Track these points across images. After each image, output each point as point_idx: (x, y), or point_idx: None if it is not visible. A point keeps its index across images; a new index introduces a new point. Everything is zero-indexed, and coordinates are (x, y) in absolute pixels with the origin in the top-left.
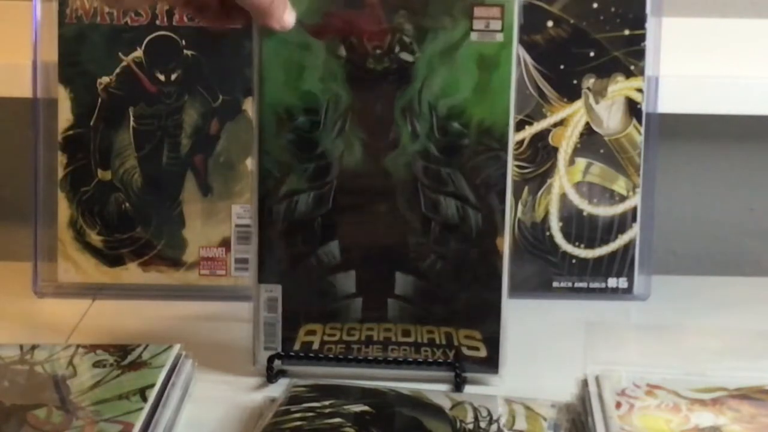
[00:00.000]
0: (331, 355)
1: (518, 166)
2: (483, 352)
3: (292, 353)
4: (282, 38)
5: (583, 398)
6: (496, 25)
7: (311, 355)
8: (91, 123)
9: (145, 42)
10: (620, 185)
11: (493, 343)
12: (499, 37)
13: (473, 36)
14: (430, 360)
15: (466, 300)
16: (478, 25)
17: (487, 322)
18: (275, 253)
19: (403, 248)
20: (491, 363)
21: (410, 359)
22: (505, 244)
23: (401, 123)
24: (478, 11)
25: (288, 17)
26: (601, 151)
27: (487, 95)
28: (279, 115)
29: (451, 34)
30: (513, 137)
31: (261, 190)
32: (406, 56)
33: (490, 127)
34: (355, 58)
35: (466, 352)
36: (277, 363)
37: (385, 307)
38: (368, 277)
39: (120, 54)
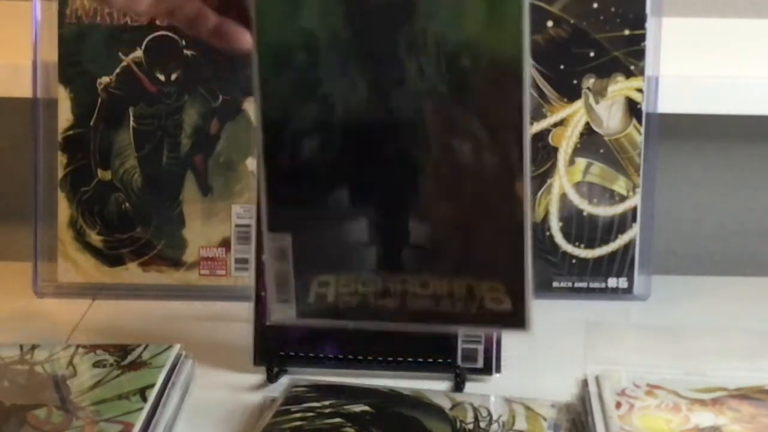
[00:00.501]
0: (331, 355)
1: None
2: (508, 305)
3: (292, 353)
4: None
5: (583, 398)
6: None
7: (311, 355)
8: (91, 123)
9: (145, 42)
10: (620, 185)
11: (518, 295)
12: None
13: None
14: (430, 360)
15: (485, 249)
16: None
17: (510, 272)
18: (283, 201)
19: (415, 194)
20: (517, 318)
21: (410, 359)
22: (526, 189)
23: (407, 60)
24: None
25: None
26: (601, 151)
27: (499, 27)
28: (277, 54)
29: None
30: (529, 73)
31: (264, 135)
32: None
33: (503, 63)
34: None
35: (489, 305)
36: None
37: (400, 257)
38: (381, 224)
39: (120, 54)
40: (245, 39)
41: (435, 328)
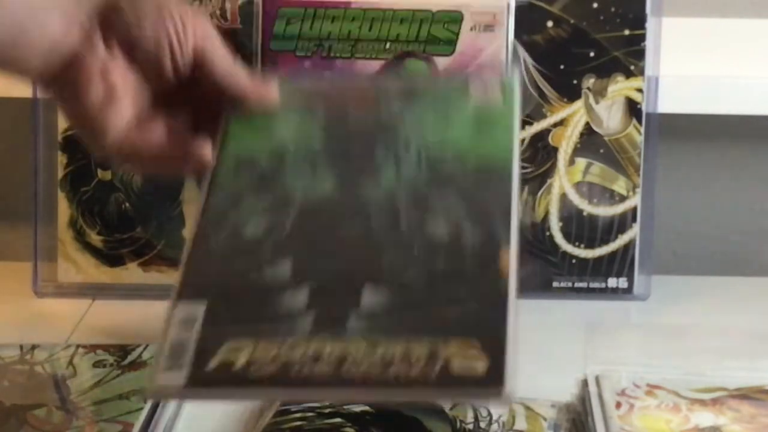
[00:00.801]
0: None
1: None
2: (482, 364)
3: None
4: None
5: (583, 398)
6: (495, 88)
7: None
8: None
9: None
10: (620, 185)
11: (497, 351)
12: (499, 101)
13: (471, 98)
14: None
15: (458, 306)
16: (475, 90)
17: (488, 326)
18: (204, 271)
19: (376, 263)
20: (493, 380)
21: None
22: (512, 261)
23: (382, 160)
24: (474, 85)
25: (268, 89)
26: (601, 151)
27: (487, 138)
28: (240, 161)
29: (447, 96)
30: (518, 170)
31: (202, 218)
32: (392, 108)
33: (490, 166)
34: (335, 120)
35: (457, 366)
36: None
37: (344, 322)
38: (325, 291)
39: None
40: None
41: (379, 396)
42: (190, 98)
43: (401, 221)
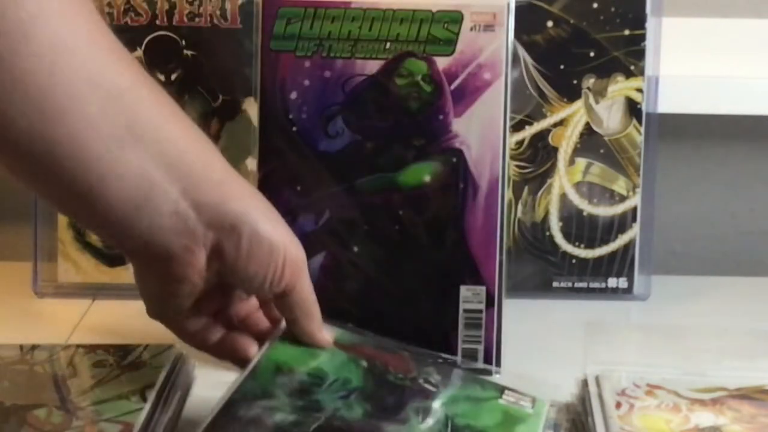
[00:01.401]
0: None
1: (518, 166)
2: None
3: None
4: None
5: (583, 398)
6: (526, 403)
7: None
8: None
9: (145, 42)
10: (620, 185)
11: None
12: (529, 408)
13: (502, 399)
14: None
15: None
16: (508, 397)
17: None
18: None
19: None
20: None
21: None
22: None
23: (412, 414)
24: (507, 396)
25: (327, 336)
26: (601, 151)
27: (512, 427)
28: (279, 365)
29: (480, 391)
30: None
31: (233, 395)
32: (428, 386)
33: None
34: (376, 370)
35: None
36: None
37: None
38: None
39: None
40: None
41: None
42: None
43: None
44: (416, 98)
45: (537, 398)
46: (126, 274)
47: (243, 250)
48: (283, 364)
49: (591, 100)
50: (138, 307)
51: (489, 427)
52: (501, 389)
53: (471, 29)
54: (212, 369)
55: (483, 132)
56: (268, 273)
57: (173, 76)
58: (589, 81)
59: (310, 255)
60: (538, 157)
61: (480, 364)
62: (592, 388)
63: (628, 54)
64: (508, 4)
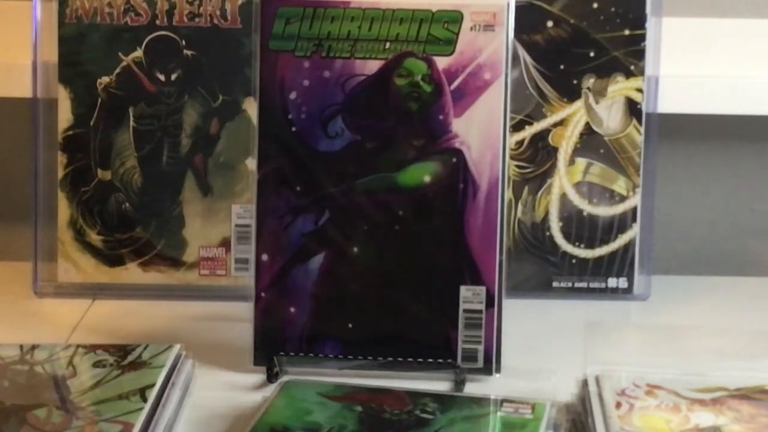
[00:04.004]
0: (331, 355)
1: (518, 166)
2: None
3: (291, 353)
4: (298, 397)
5: (583, 398)
6: (526, 410)
7: (311, 355)
8: (91, 123)
9: (145, 42)
10: (620, 185)
11: None
12: (529, 415)
13: (501, 412)
14: (430, 360)
15: None
16: (507, 409)
17: None
18: None
19: None
20: None
21: (410, 360)
22: None
23: None
24: (506, 407)
25: None
26: (601, 151)
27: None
28: (273, 427)
29: (478, 409)
30: None
31: None
32: (426, 416)
33: None
34: (372, 411)
35: None
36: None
37: None
38: None
39: (120, 54)
40: None
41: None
42: None
43: None
44: (416, 98)
45: (537, 402)
46: (126, 274)
47: None
48: (276, 424)
49: (591, 100)
50: (138, 307)
51: None
52: (499, 403)
53: (471, 29)
54: (212, 369)
55: (483, 132)
56: None
57: (173, 76)
58: (589, 81)
59: (310, 255)
60: (538, 157)
61: (480, 365)
62: (592, 388)
63: (628, 54)
64: (508, 4)
